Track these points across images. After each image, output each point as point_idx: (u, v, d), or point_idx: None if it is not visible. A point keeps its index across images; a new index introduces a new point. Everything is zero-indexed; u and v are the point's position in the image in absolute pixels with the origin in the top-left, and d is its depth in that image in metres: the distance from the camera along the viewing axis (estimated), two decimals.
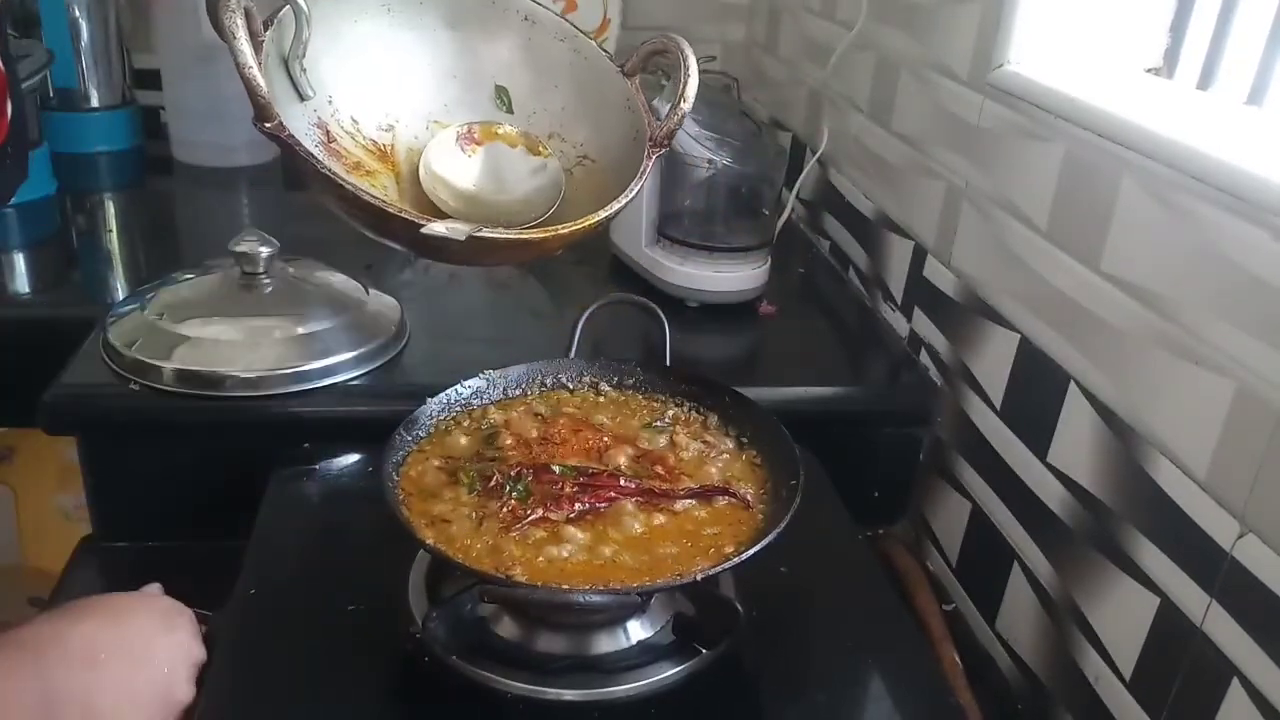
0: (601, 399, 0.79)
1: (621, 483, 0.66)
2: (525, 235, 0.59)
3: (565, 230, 0.59)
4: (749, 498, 0.67)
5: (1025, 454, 0.82)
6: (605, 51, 0.69)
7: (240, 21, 0.52)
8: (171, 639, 0.63)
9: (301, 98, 0.60)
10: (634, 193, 0.62)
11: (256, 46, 0.55)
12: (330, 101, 0.62)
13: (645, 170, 0.63)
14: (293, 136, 0.54)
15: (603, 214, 0.61)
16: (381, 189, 0.63)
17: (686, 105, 0.63)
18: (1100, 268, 0.73)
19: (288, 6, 0.58)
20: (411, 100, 0.66)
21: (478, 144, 0.66)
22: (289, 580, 0.71)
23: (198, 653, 0.64)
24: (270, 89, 0.55)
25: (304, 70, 0.60)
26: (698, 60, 0.65)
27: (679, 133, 0.71)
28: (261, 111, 0.53)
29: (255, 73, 0.52)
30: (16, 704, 0.54)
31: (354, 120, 0.64)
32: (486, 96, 0.68)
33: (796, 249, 1.29)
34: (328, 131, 0.62)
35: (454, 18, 0.66)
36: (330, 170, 0.57)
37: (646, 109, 0.66)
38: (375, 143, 0.64)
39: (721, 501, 0.67)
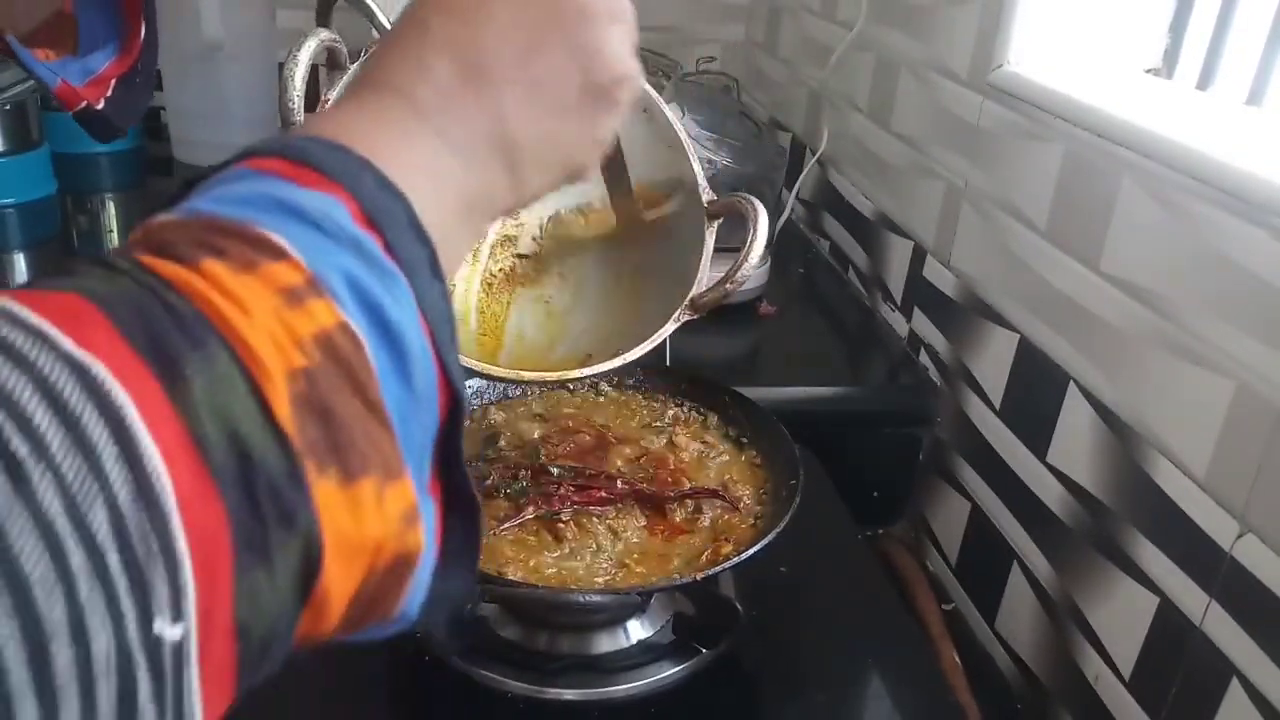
0: (601, 399, 0.79)
1: (619, 484, 0.66)
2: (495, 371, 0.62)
3: (533, 376, 0.62)
4: (745, 499, 0.67)
5: (1025, 454, 0.82)
6: (706, 189, 0.67)
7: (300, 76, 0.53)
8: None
9: None
10: (641, 354, 0.63)
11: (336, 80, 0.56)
12: None
13: (665, 332, 0.63)
14: None
15: (590, 370, 0.63)
16: None
17: (734, 284, 0.62)
18: (1100, 268, 0.73)
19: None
20: None
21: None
22: None
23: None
24: None
25: None
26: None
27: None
28: None
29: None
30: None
31: None
32: None
33: (796, 249, 1.29)
34: None
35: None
36: None
37: (707, 262, 0.66)
38: None
39: (716, 503, 0.67)
